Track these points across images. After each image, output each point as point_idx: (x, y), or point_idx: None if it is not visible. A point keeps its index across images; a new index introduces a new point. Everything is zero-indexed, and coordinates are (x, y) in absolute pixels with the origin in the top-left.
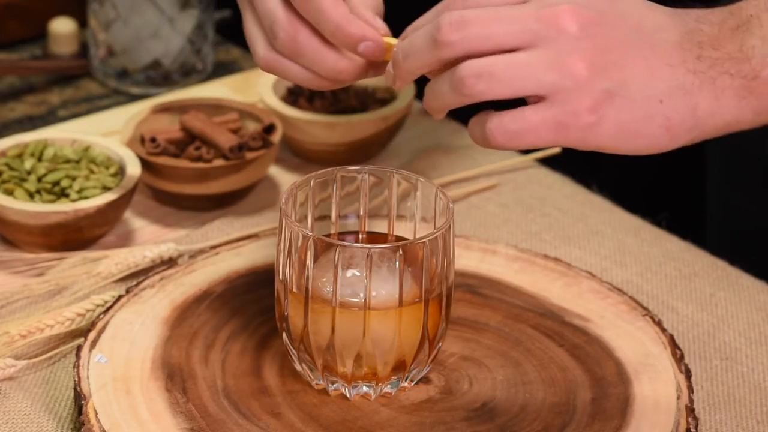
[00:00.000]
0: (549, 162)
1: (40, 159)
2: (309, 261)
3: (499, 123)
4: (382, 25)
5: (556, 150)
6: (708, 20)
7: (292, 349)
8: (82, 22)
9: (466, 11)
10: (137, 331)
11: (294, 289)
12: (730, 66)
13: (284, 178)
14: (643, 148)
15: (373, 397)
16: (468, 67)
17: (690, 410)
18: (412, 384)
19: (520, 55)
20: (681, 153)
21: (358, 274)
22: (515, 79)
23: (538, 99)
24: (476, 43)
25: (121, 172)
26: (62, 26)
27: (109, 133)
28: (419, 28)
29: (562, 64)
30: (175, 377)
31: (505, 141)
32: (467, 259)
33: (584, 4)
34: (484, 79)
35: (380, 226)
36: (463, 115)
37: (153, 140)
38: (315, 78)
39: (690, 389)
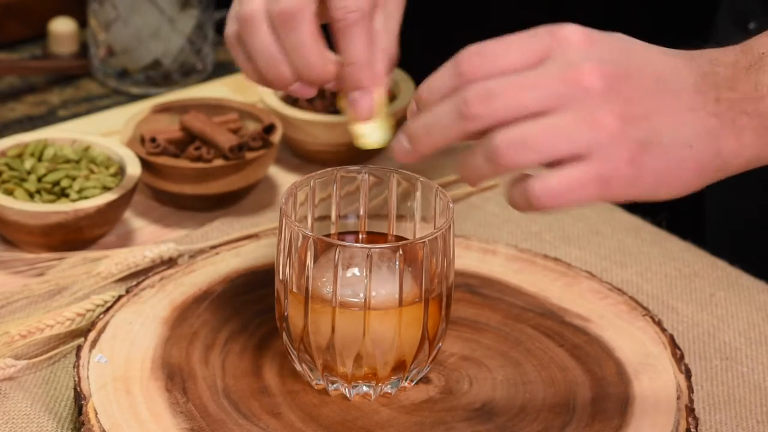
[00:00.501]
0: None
1: (40, 159)
2: (309, 261)
3: (544, 185)
4: (382, 74)
5: None
6: (722, 62)
7: (292, 349)
8: (82, 22)
9: (491, 83)
10: (137, 331)
11: (294, 289)
12: (747, 105)
13: (284, 178)
14: (677, 192)
15: (373, 397)
16: (501, 138)
17: (690, 410)
18: (412, 384)
19: (551, 118)
20: None
21: (358, 274)
22: (550, 144)
23: (575, 158)
24: (505, 113)
25: (121, 172)
26: (62, 26)
27: (109, 133)
28: (436, 97)
29: (593, 120)
30: (175, 377)
31: (552, 201)
32: (467, 259)
33: (604, 60)
34: (518, 148)
35: (380, 226)
36: None
37: (153, 140)
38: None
39: (690, 389)
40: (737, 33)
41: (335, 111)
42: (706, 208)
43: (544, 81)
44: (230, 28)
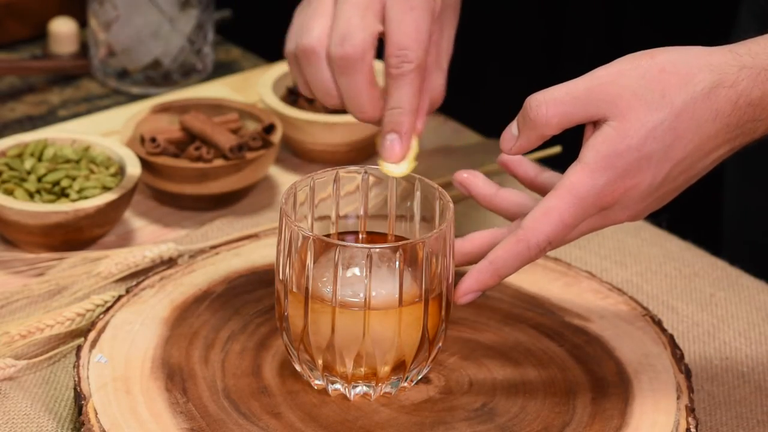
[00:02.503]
0: (549, 162)
1: (40, 159)
2: (309, 261)
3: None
4: (421, 127)
5: (556, 150)
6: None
7: (292, 349)
8: (82, 22)
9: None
10: (137, 331)
11: (294, 289)
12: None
13: (284, 178)
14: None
15: (373, 397)
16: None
17: (690, 410)
18: (412, 384)
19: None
20: None
21: (358, 274)
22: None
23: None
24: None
25: (121, 172)
26: (62, 26)
27: (109, 133)
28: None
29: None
30: (175, 377)
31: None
32: None
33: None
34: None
35: (380, 226)
36: (466, 114)
37: (153, 140)
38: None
39: (690, 389)
40: (759, 28)
41: (335, 111)
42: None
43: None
44: (290, 47)
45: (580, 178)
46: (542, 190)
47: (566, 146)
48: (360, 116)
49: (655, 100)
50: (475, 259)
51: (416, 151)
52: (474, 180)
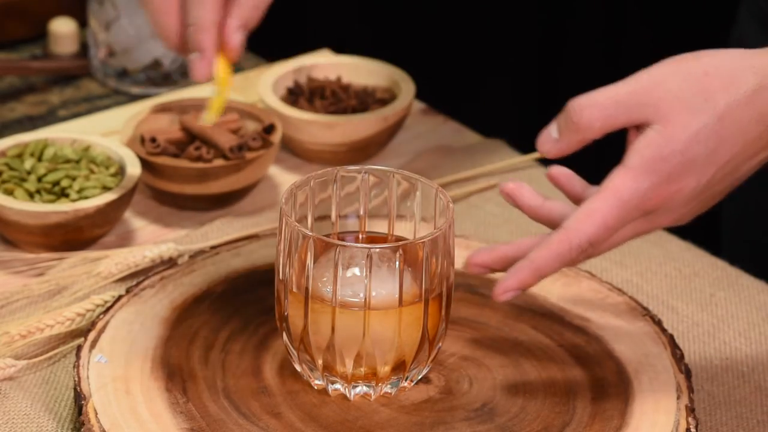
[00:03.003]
0: (549, 162)
1: (40, 159)
2: (309, 261)
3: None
4: (235, 45)
5: None
6: None
7: (292, 349)
8: (82, 22)
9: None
10: (137, 331)
11: (294, 289)
12: None
13: (284, 178)
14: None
15: (373, 397)
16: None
17: (690, 410)
18: (412, 384)
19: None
20: None
21: (358, 274)
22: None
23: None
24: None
25: (121, 172)
26: (62, 26)
27: (109, 133)
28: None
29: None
30: (175, 377)
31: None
32: None
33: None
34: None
35: (380, 226)
36: (466, 114)
37: (153, 140)
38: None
39: (690, 389)
40: (758, 29)
41: (335, 111)
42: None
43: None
44: None
45: (624, 182)
46: None
47: None
48: (161, 39)
49: (698, 103)
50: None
51: (226, 81)
52: (520, 191)
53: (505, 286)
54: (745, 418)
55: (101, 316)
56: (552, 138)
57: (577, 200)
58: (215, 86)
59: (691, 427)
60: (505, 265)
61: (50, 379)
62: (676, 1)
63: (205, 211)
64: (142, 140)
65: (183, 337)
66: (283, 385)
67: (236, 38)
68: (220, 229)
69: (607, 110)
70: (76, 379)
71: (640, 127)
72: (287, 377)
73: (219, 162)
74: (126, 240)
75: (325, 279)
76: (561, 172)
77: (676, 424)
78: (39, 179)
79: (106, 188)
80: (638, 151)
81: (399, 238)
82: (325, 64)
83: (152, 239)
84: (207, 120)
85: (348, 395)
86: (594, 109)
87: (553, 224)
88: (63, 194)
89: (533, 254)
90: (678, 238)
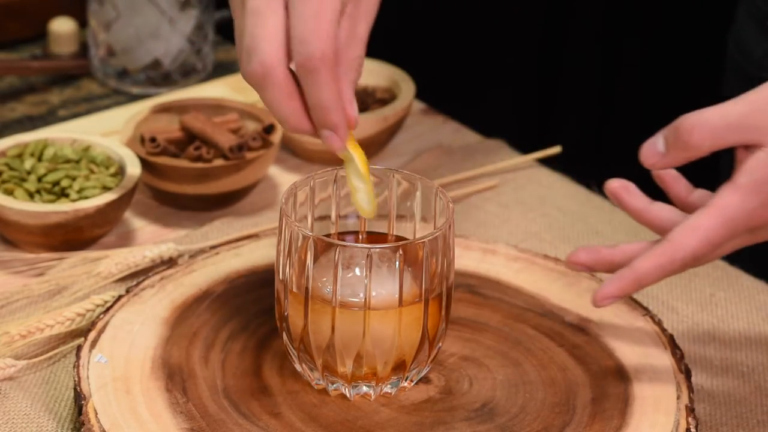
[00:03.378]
0: (549, 162)
1: (40, 159)
2: (309, 261)
3: None
4: (356, 116)
5: (556, 150)
6: None
7: (292, 349)
8: (82, 22)
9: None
10: (137, 331)
11: (294, 289)
12: None
13: (284, 178)
14: None
15: (373, 397)
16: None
17: (690, 410)
18: (412, 384)
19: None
20: None
21: (358, 274)
22: None
23: None
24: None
25: (121, 172)
26: (62, 26)
27: (109, 133)
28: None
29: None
30: (175, 377)
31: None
32: (467, 259)
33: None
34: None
35: (380, 226)
36: (466, 114)
37: (153, 140)
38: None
39: (690, 389)
40: (756, 29)
41: None
42: None
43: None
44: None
45: (732, 201)
46: (692, 209)
47: (566, 147)
48: (287, 128)
49: None
50: (619, 268)
51: (359, 150)
52: (626, 192)
53: (606, 293)
54: (745, 418)
55: (101, 316)
56: (658, 152)
57: (680, 202)
58: (353, 163)
59: (691, 427)
60: (606, 268)
61: (50, 379)
62: (675, 2)
63: (205, 211)
64: (142, 140)
65: (183, 337)
66: (283, 385)
67: (355, 110)
68: (220, 229)
69: (717, 131)
70: (76, 379)
71: (749, 147)
72: (287, 377)
73: (219, 162)
74: (126, 240)
75: (325, 279)
76: (668, 173)
77: (676, 424)
78: (39, 179)
79: (106, 188)
80: (748, 171)
81: (399, 238)
82: None
83: (152, 239)
84: (369, 213)
85: (348, 395)
86: (704, 130)
87: (657, 229)
88: (63, 194)
89: (636, 263)
90: None
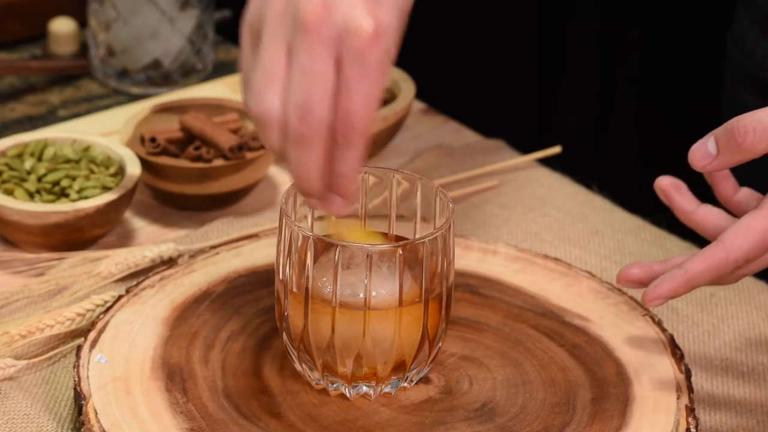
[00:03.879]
0: (549, 162)
1: (40, 159)
2: (309, 261)
3: None
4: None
5: (556, 150)
6: None
7: (292, 349)
8: (82, 22)
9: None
10: (137, 331)
11: (294, 289)
12: None
13: (284, 178)
14: None
15: (373, 397)
16: None
17: (690, 410)
18: (412, 384)
19: None
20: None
21: (358, 274)
22: None
23: None
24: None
25: (121, 172)
26: (62, 26)
27: (109, 133)
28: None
29: None
30: (175, 377)
31: None
32: (467, 259)
33: None
34: None
35: (380, 226)
36: (466, 114)
37: (153, 140)
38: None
39: (690, 389)
40: (756, 30)
41: None
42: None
43: None
44: (247, 105)
45: None
46: (737, 209)
47: (566, 147)
48: (302, 188)
49: None
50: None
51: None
52: (677, 190)
53: (657, 293)
54: (745, 418)
55: (101, 316)
56: (709, 153)
57: (726, 201)
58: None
59: (691, 427)
60: (662, 271)
61: (50, 379)
62: (674, 2)
63: (205, 211)
64: (142, 140)
65: (183, 337)
66: (283, 385)
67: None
68: (220, 229)
69: None
70: (76, 379)
71: None
72: (287, 377)
73: (219, 162)
74: (126, 240)
75: (325, 279)
76: (719, 172)
77: (676, 424)
78: (39, 179)
79: (106, 188)
80: None
81: (399, 238)
82: None
83: (152, 239)
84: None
85: (348, 395)
86: (759, 132)
87: (704, 232)
88: (63, 194)
89: (688, 264)
90: (678, 237)
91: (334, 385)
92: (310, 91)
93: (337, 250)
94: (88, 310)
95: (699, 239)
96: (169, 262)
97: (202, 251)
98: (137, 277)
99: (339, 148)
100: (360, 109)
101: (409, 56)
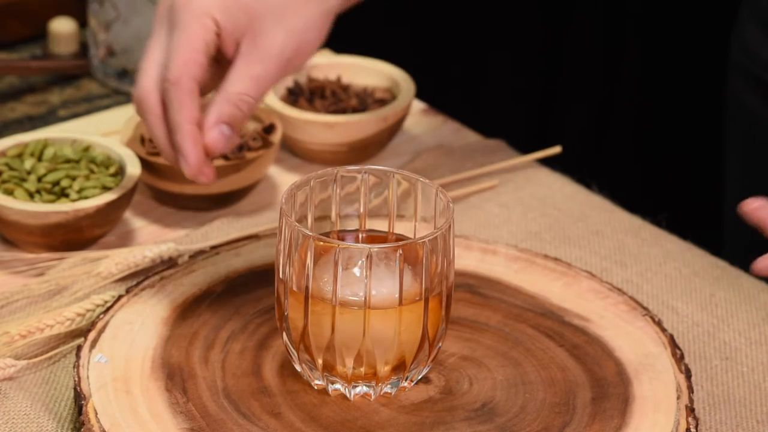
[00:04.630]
0: (549, 162)
1: (40, 159)
2: (309, 261)
3: None
4: (215, 144)
5: (556, 150)
6: None
7: (292, 349)
8: (82, 22)
9: None
10: (137, 331)
11: (294, 289)
12: None
13: (284, 178)
14: None
15: (373, 397)
16: None
17: (690, 410)
18: (412, 384)
19: None
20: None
21: (358, 273)
22: None
23: None
24: None
25: (121, 172)
26: (62, 26)
27: (109, 133)
28: None
29: None
30: (175, 377)
31: None
32: (467, 259)
33: None
34: None
35: (380, 226)
36: (466, 114)
37: (153, 140)
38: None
39: (690, 389)
40: (760, 29)
41: (335, 111)
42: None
43: None
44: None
45: None
46: None
47: (566, 147)
48: (162, 153)
49: None
50: None
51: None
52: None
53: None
54: (745, 418)
55: (101, 316)
56: None
57: None
58: None
59: (691, 427)
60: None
61: (50, 379)
62: (677, 2)
63: (205, 211)
64: (142, 140)
65: (183, 337)
66: (283, 385)
67: (211, 135)
68: (220, 229)
69: None
70: (76, 379)
71: None
72: (287, 377)
73: (219, 162)
74: (126, 240)
75: (325, 279)
76: None
77: (676, 424)
78: (39, 179)
79: (106, 188)
80: None
81: (399, 238)
82: (324, 64)
83: (152, 239)
84: None
85: (348, 395)
86: None
87: None
88: (63, 194)
89: None
90: (678, 237)
91: (334, 385)
92: (142, 61)
93: (337, 250)
94: (88, 310)
95: (699, 239)
96: (169, 262)
97: (202, 251)
98: (137, 277)
99: (165, 104)
100: (170, 60)
101: (409, 56)
